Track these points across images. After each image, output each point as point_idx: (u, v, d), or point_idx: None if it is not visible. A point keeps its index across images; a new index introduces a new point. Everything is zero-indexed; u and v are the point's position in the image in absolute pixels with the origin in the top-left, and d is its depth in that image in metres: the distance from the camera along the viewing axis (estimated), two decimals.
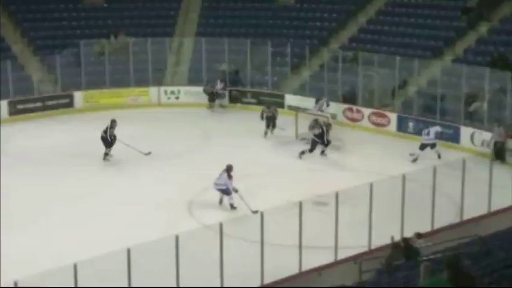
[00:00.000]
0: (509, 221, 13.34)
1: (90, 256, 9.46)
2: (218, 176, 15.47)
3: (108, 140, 18.80)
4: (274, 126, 21.49)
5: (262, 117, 21.63)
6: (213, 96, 24.99)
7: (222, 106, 25.14)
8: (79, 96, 25.19)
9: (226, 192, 15.36)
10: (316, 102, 22.60)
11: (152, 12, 28.76)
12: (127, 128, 22.12)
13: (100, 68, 25.86)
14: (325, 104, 22.46)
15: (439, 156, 18.61)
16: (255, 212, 13.49)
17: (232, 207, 15.26)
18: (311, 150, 19.26)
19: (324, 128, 19.36)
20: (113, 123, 18.95)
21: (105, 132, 18.85)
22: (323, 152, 19.45)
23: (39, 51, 26.10)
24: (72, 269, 9.15)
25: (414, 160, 18.84)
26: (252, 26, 28.15)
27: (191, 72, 26.97)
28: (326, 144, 19.36)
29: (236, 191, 15.22)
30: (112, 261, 9.77)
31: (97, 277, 10.20)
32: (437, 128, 19.40)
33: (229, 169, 15.42)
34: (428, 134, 19.25)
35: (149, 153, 18.89)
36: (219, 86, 25.22)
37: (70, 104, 25.04)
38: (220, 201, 15.68)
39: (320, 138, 19.25)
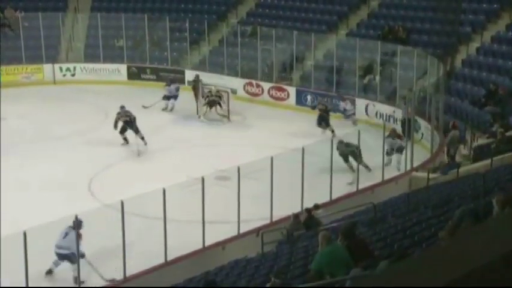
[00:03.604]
0: (401, 189, 14.09)
1: None
2: (61, 234, 11.05)
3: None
4: None
5: None
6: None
7: None
8: None
9: (69, 258, 10.95)
10: (168, 85, 21.51)
11: None
12: (21, 107, 21.34)
13: None
14: (175, 90, 21.42)
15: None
16: (111, 280, 10.87)
17: (77, 281, 10.72)
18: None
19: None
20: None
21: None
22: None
23: None
24: None
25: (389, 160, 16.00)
26: (148, 0, 27.65)
27: (87, 48, 26.21)
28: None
29: (83, 256, 10.90)
30: (9, 244, 9.46)
31: None
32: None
33: (78, 225, 10.69)
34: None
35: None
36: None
37: None
38: (50, 271, 11.12)
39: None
